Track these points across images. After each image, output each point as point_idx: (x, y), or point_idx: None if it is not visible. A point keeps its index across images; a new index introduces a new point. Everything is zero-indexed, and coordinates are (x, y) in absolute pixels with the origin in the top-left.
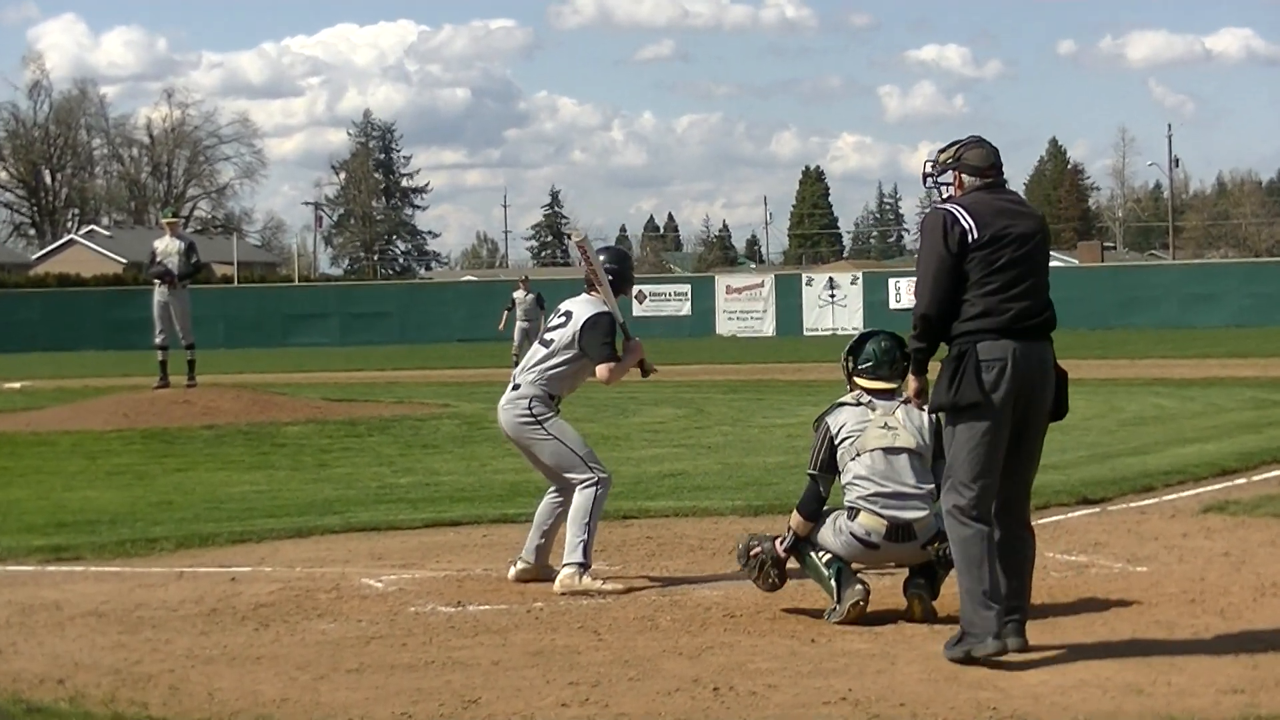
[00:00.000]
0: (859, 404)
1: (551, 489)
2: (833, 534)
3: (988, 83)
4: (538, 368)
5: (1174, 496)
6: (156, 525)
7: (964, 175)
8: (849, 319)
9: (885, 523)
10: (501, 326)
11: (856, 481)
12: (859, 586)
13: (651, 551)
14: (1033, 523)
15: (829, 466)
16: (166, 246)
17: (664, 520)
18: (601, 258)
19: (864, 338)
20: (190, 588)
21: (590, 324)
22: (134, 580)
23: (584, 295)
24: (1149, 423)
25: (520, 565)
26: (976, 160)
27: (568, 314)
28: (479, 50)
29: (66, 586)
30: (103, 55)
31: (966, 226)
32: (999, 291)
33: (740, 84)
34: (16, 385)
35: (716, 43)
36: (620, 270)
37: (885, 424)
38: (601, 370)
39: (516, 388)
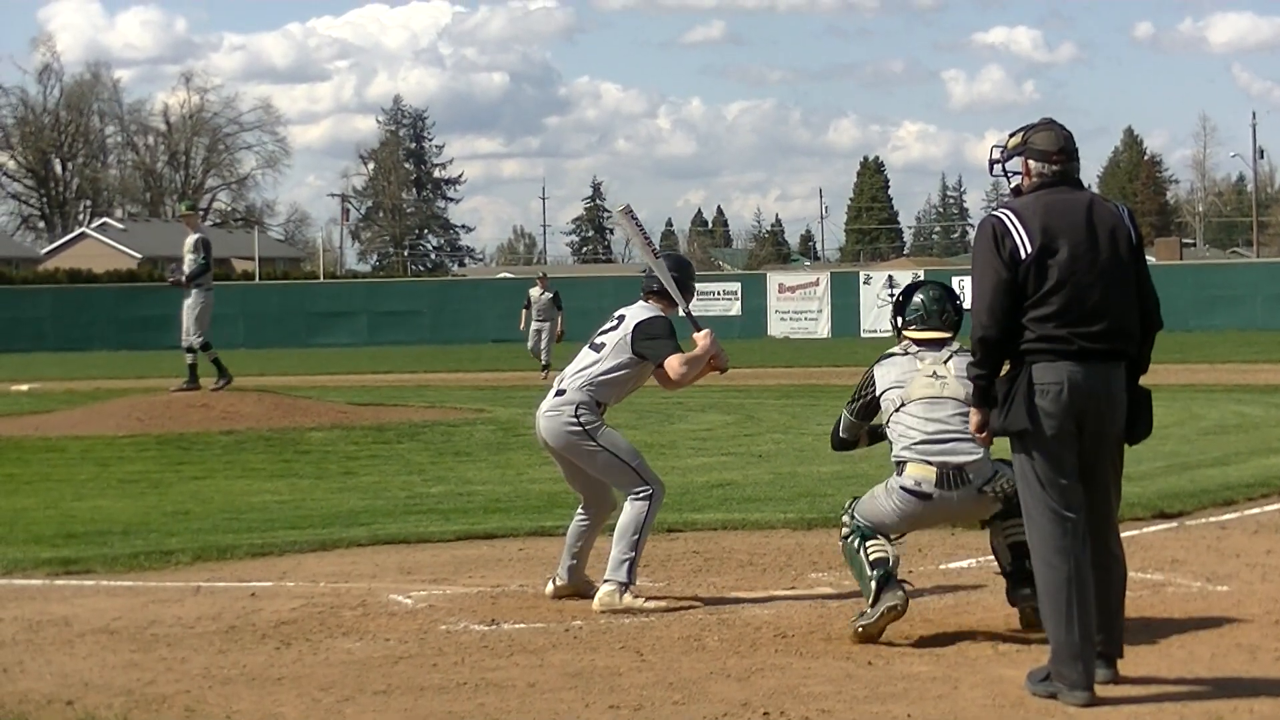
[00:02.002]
0: (906, 354)
1: (580, 510)
2: (885, 496)
3: (1060, 67)
4: (586, 373)
5: (1258, 510)
6: (172, 537)
7: (1030, 162)
8: None
9: (934, 469)
10: (522, 325)
11: (903, 433)
12: (900, 593)
13: (698, 566)
14: (1098, 551)
15: (865, 414)
16: (186, 244)
17: (712, 533)
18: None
19: (912, 288)
20: (207, 603)
21: (644, 325)
22: (148, 595)
23: (640, 302)
24: (1231, 431)
25: (556, 583)
26: (1044, 144)
27: (621, 317)
28: (517, 32)
29: (76, 601)
30: (117, 36)
31: (1018, 240)
32: (1058, 310)
33: (795, 68)
34: (24, 387)
35: (770, 24)
36: (680, 279)
37: (934, 373)
38: (673, 363)
39: (561, 393)
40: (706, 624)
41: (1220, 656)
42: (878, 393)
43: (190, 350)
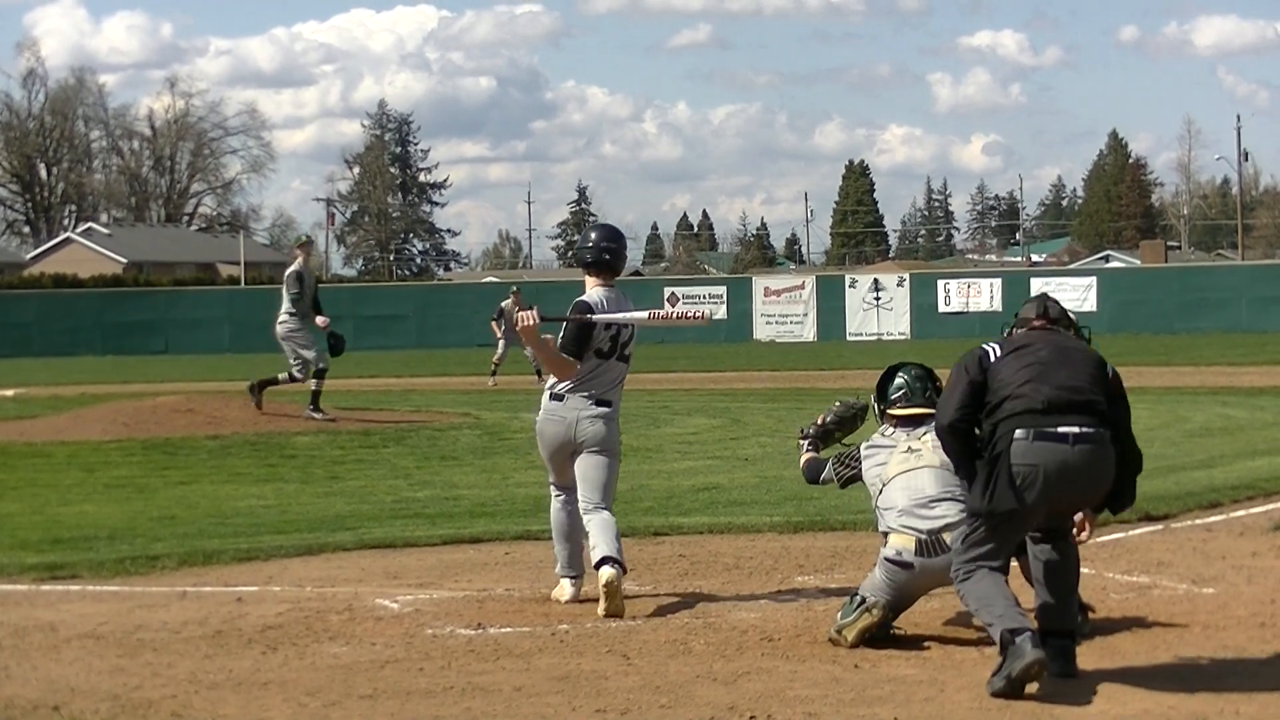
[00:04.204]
0: (884, 436)
1: (565, 496)
2: (877, 569)
3: (1046, 71)
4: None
5: (1243, 513)
6: (158, 542)
7: (1015, 330)
8: (895, 323)
9: (912, 538)
10: (500, 334)
11: (887, 506)
12: (883, 604)
13: (684, 570)
14: (1087, 539)
15: (846, 481)
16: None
17: (697, 537)
18: (594, 235)
19: (891, 371)
20: (194, 608)
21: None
22: (134, 600)
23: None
24: (1216, 434)
25: (578, 582)
26: (1024, 313)
27: None
28: (503, 37)
29: (62, 607)
30: (103, 41)
31: (988, 351)
32: (1032, 380)
33: (781, 72)
34: (10, 392)
35: (756, 28)
36: (618, 249)
37: (909, 448)
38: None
39: (608, 404)
40: (693, 628)
41: (1206, 658)
42: (862, 471)
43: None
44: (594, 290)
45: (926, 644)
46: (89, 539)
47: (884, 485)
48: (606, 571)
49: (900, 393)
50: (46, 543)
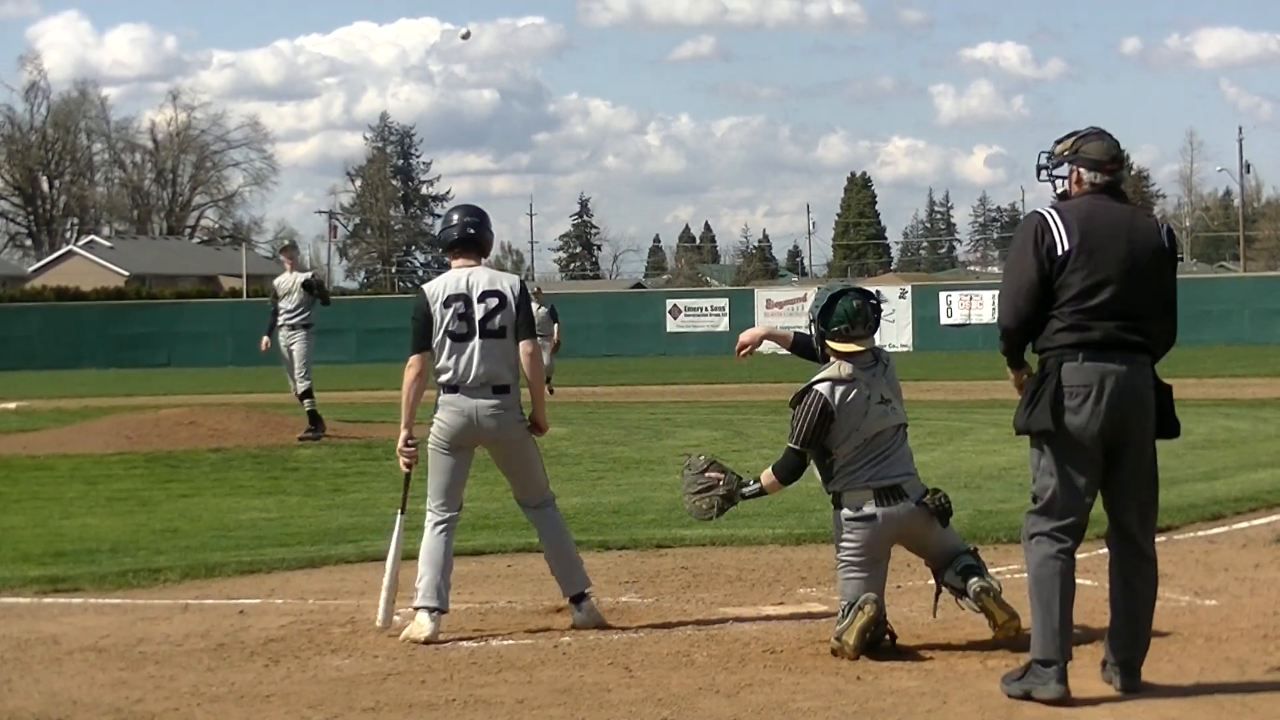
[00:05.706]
0: (851, 379)
1: (450, 514)
2: (844, 539)
3: (1048, 83)
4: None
5: (1245, 525)
6: (160, 555)
7: (1081, 170)
8: (897, 335)
9: (870, 490)
10: None
11: (847, 461)
12: (872, 594)
13: (687, 582)
14: (1131, 553)
15: (816, 441)
16: (291, 282)
17: (700, 549)
18: (455, 214)
19: (834, 297)
20: (196, 621)
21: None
22: (136, 613)
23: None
24: (1219, 446)
25: (438, 617)
26: (1096, 154)
27: (500, 295)
28: (506, 49)
29: (65, 620)
30: (106, 54)
31: (1057, 236)
32: (1090, 309)
33: (784, 85)
34: (12, 405)
35: (759, 41)
36: (478, 223)
37: (881, 398)
38: None
39: (506, 390)
40: (695, 640)
41: (1209, 670)
42: (835, 414)
43: (308, 396)
44: (444, 276)
45: (929, 655)
46: (91, 552)
47: (852, 433)
48: (579, 618)
49: (840, 325)
50: (49, 556)
